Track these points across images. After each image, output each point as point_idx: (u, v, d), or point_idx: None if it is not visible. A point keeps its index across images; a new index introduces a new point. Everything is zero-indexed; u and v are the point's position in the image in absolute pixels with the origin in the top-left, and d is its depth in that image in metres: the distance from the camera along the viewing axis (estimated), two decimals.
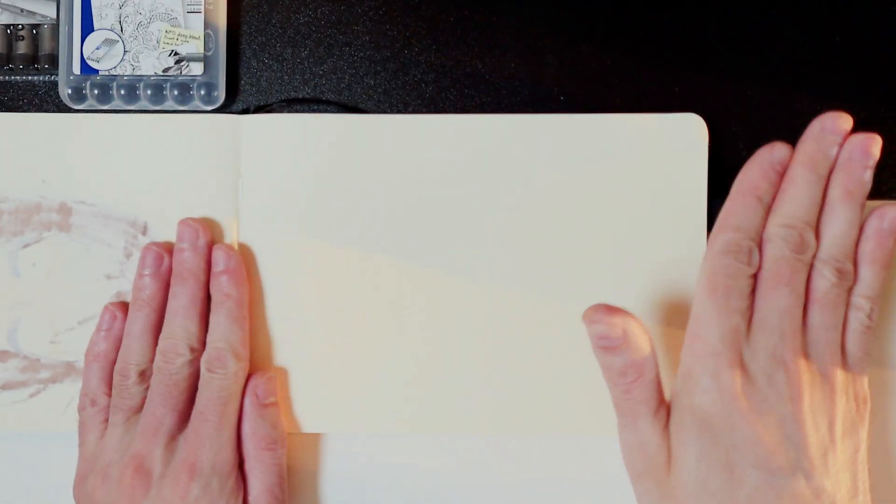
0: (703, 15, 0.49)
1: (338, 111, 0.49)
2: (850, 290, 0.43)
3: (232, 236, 0.49)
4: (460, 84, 0.49)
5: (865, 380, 0.43)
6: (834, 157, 0.43)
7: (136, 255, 0.49)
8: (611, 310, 0.40)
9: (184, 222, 0.48)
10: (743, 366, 0.40)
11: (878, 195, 0.49)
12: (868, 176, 0.43)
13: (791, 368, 0.40)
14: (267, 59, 0.50)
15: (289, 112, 0.49)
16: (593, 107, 0.49)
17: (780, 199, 0.43)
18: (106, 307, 0.48)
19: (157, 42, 0.48)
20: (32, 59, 0.50)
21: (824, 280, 0.42)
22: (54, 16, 0.49)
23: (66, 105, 0.49)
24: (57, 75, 0.49)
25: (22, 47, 0.50)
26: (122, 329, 0.48)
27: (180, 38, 0.48)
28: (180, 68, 0.49)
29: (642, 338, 0.40)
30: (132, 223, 0.49)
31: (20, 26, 0.49)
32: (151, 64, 0.49)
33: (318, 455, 0.49)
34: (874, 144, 0.43)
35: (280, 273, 0.49)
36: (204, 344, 0.47)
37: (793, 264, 0.41)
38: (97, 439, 0.47)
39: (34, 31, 0.50)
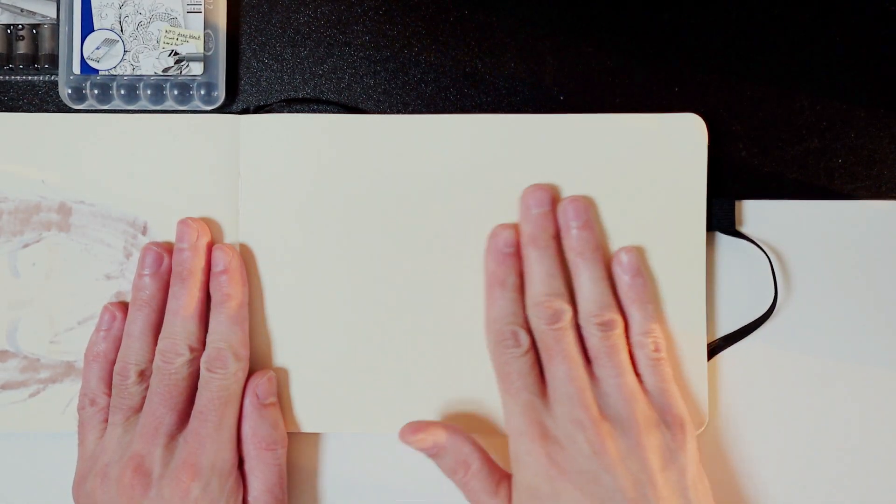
0: (703, 15, 0.49)
1: (338, 111, 0.49)
2: (627, 332, 0.46)
3: (232, 236, 0.49)
4: (460, 84, 0.49)
5: (677, 404, 0.45)
6: (553, 226, 0.47)
7: (136, 254, 0.49)
8: (416, 428, 0.45)
9: (183, 222, 0.48)
10: (549, 435, 0.44)
11: (878, 195, 0.49)
12: (585, 234, 0.47)
13: (588, 427, 0.43)
14: (267, 58, 0.50)
15: (288, 112, 0.49)
16: (593, 107, 0.49)
17: (525, 281, 0.47)
18: (105, 307, 0.48)
19: (157, 42, 0.48)
20: (32, 59, 0.50)
21: (592, 336, 0.46)
22: (54, 16, 0.49)
23: (66, 105, 0.49)
24: (57, 75, 0.49)
25: (22, 47, 0.50)
26: (122, 329, 0.47)
27: (180, 38, 0.48)
28: (180, 68, 0.49)
29: (455, 438, 0.45)
30: (132, 223, 0.49)
31: (20, 26, 0.49)
32: (151, 64, 0.49)
33: (318, 455, 0.49)
34: (581, 206, 0.47)
35: (280, 273, 0.48)
36: (203, 344, 0.47)
37: (554, 335, 0.45)
38: (97, 439, 0.47)
39: (34, 31, 0.50)
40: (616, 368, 0.45)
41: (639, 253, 0.47)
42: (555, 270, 0.46)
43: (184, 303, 0.46)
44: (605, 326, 0.45)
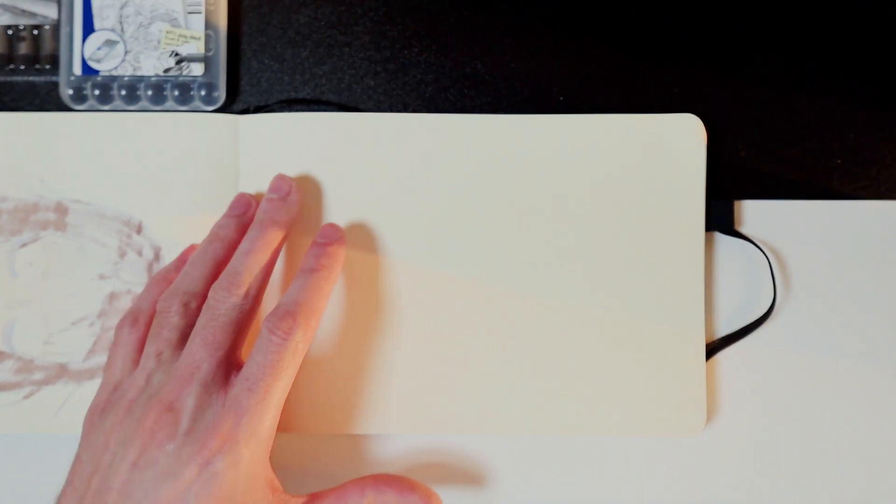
0: (702, 15, 0.50)
1: (338, 112, 0.50)
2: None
3: None
4: (460, 84, 0.50)
5: None
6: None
7: (130, 254, 0.48)
8: None
9: (279, 176, 0.47)
10: None
11: (877, 196, 0.49)
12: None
13: None
14: (267, 59, 0.50)
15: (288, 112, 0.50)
16: (593, 107, 0.49)
17: None
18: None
19: (158, 43, 0.49)
20: (33, 60, 0.50)
21: None
22: (55, 16, 0.50)
23: (67, 106, 0.49)
24: (58, 76, 0.49)
25: (23, 48, 0.50)
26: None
27: (181, 39, 0.49)
28: (181, 69, 0.49)
29: None
30: (126, 222, 0.49)
31: (21, 27, 0.50)
32: (152, 64, 0.49)
33: (321, 455, 0.49)
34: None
35: (280, 273, 0.48)
36: (260, 298, 0.44)
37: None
38: (125, 369, 0.43)
39: (35, 32, 0.50)
40: None
41: None
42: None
43: (258, 246, 0.44)
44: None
